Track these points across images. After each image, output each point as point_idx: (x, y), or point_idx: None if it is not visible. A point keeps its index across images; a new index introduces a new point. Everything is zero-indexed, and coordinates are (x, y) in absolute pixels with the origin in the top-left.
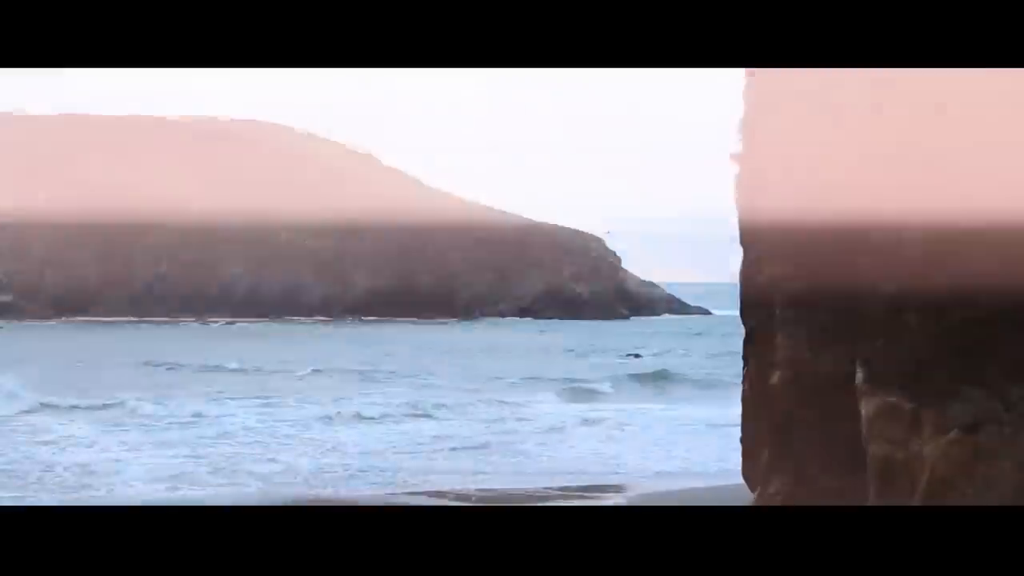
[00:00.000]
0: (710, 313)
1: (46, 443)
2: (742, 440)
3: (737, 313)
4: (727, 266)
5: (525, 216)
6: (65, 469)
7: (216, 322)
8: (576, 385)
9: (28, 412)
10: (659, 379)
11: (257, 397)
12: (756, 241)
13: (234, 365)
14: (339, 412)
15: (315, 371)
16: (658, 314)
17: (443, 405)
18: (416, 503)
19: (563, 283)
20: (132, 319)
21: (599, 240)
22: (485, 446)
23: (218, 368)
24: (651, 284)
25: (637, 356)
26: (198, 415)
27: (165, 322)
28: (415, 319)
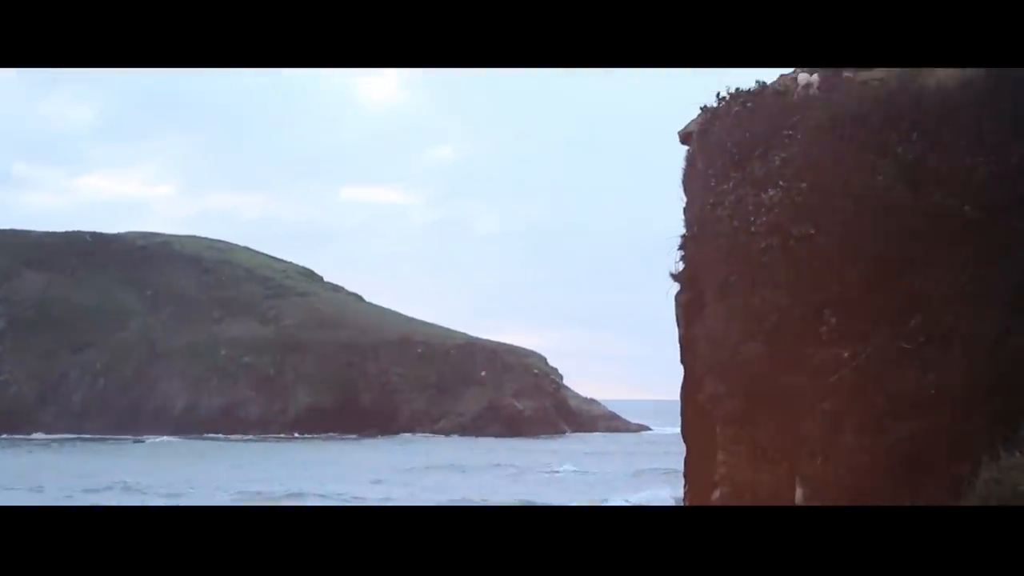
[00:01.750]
0: (651, 430)
1: None
2: None
3: (678, 430)
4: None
5: (467, 332)
6: None
7: (153, 439)
8: (509, 505)
9: None
10: (598, 498)
11: None
12: (696, 359)
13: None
14: None
15: (243, 492)
16: (599, 431)
17: None
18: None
19: (504, 400)
20: (68, 436)
21: (541, 357)
22: None
23: (134, 489)
24: (592, 401)
25: (578, 471)
26: None
27: (102, 439)
28: (355, 435)
